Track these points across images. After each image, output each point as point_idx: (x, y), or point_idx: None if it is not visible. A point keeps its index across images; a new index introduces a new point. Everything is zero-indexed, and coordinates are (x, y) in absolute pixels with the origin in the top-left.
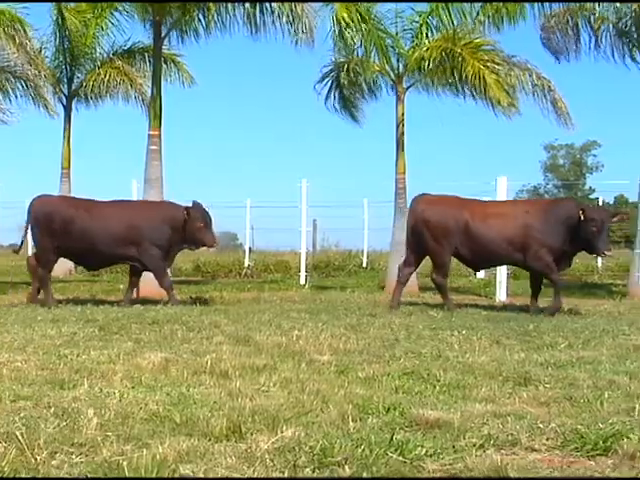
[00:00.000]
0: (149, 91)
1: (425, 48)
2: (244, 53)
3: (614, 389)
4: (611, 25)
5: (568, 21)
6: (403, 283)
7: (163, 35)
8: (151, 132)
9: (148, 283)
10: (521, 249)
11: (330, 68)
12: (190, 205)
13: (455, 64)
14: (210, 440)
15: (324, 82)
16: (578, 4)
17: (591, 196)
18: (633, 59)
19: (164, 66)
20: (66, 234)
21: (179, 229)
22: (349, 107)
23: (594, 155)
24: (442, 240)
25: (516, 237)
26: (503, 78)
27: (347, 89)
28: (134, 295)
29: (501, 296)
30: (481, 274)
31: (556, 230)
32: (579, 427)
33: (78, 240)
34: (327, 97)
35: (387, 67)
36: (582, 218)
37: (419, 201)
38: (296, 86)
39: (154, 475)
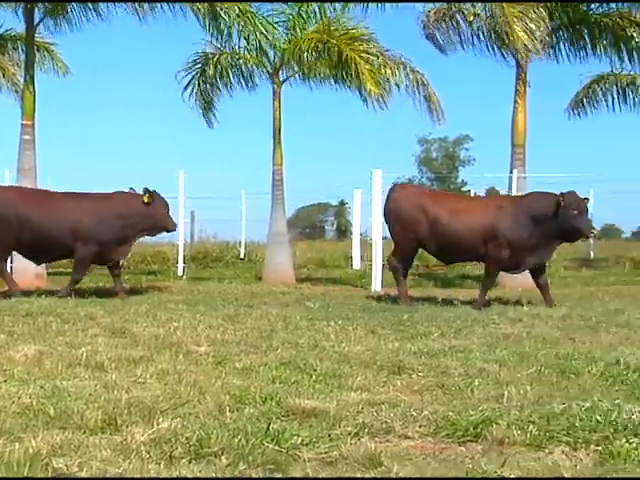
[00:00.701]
0: (22, 80)
1: (301, 39)
2: (122, 41)
3: (484, 377)
4: (483, 23)
5: (449, 16)
6: (404, 277)
7: (36, 23)
8: (24, 122)
9: (23, 274)
10: (486, 244)
11: (197, 58)
12: (151, 191)
13: (331, 55)
14: (85, 433)
15: (189, 72)
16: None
17: (463, 189)
18: (503, 56)
19: (37, 55)
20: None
21: (139, 217)
22: (208, 102)
23: (466, 149)
24: (408, 231)
25: (484, 232)
26: (377, 69)
27: (210, 82)
28: (118, 288)
29: (377, 287)
30: (357, 265)
31: (528, 225)
32: (450, 414)
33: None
34: (186, 88)
35: (263, 59)
36: (562, 204)
37: (394, 190)
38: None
39: (26, 469)
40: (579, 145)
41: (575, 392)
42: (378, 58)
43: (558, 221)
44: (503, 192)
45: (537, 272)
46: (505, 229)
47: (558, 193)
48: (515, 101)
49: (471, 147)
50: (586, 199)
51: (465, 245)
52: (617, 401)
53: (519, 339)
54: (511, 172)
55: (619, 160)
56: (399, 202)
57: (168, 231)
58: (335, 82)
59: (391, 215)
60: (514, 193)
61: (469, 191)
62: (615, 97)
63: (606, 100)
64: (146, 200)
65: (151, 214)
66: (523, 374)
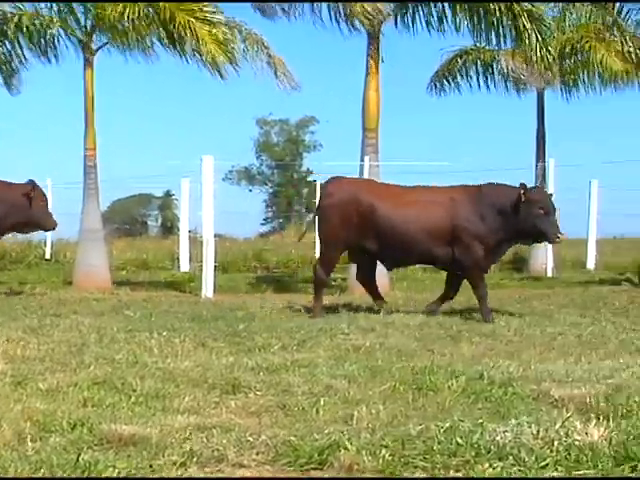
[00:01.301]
0: None
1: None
2: None
3: (331, 395)
4: None
5: None
6: (364, 283)
7: None
8: None
9: None
10: (447, 244)
11: None
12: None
13: (161, 19)
14: None
15: None
16: None
17: (309, 178)
18: (351, 26)
19: None
20: None
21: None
22: (8, 67)
23: (312, 132)
24: (339, 230)
25: (440, 229)
26: (217, 30)
27: (10, 44)
28: None
29: (208, 292)
30: (185, 267)
31: (490, 220)
32: (292, 439)
33: None
34: None
35: (71, 21)
36: (523, 199)
37: (329, 184)
38: None
39: None
40: (440, 130)
41: (433, 411)
42: (211, 21)
43: (518, 219)
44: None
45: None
46: (466, 224)
47: (518, 185)
48: (367, 78)
49: (317, 130)
50: (551, 195)
51: (414, 246)
52: (480, 421)
53: (371, 351)
54: (362, 160)
55: (483, 146)
56: (334, 197)
57: (46, 229)
58: (167, 50)
59: (325, 213)
60: None
61: (315, 181)
62: (480, 74)
63: (469, 78)
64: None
65: (25, 207)
66: (375, 391)
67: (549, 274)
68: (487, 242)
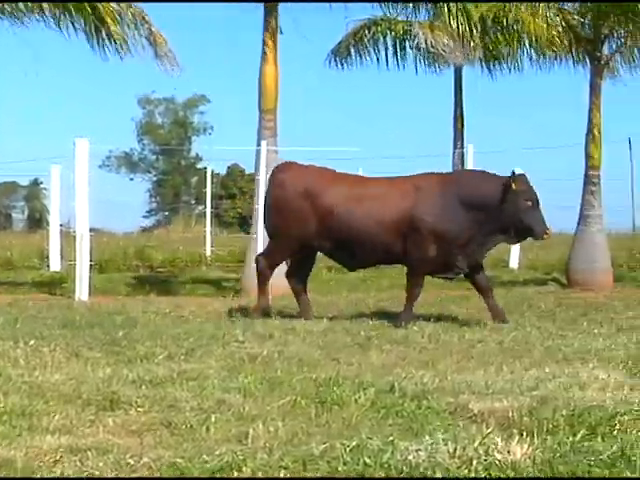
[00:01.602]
0: None
1: None
2: None
3: (224, 411)
4: None
5: None
6: (296, 286)
7: None
8: None
9: None
10: (402, 239)
11: None
12: None
13: None
14: None
15: None
16: None
17: (199, 165)
18: None
19: None
20: None
21: None
22: None
23: (201, 113)
24: (294, 225)
25: (399, 224)
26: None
27: None
28: None
29: (82, 295)
30: (56, 266)
31: (459, 213)
32: (179, 461)
33: None
34: None
35: None
36: (513, 188)
37: (279, 171)
38: None
39: None
40: (349, 111)
41: (339, 427)
42: None
43: (504, 212)
44: (249, 171)
45: (473, 273)
46: (428, 217)
47: (509, 173)
48: (263, 52)
49: (207, 111)
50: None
51: (373, 242)
52: (391, 438)
53: (269, 361)
54: (258, 144)
55: (400, 130)
56: (285, 186)
57: None
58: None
59: (273, 203)
60: (262, 170)
61: (205, 169)
62: (391, 47)
63: (377, 51)
64: None
65: None
66: (273, 406)
67: None
68: (451, 238)
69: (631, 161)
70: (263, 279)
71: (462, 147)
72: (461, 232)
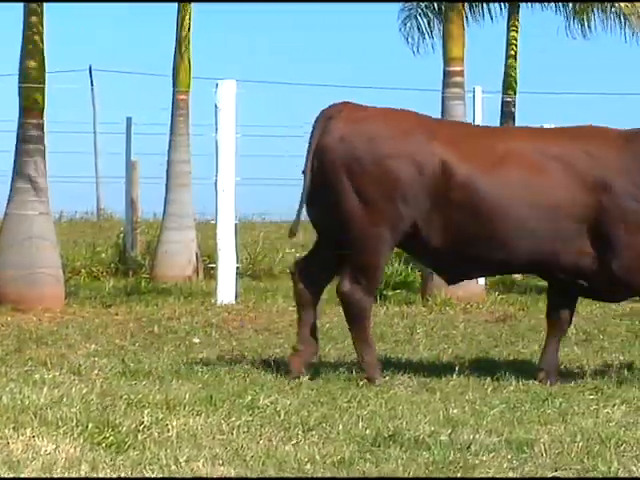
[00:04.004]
0: None
1: None
2: None
3: None
4: None
5: None
6: (306, 303)
7: None
8: None
9: None
10: (590, 227)
11: None
12: None
13: None
14: None
15: None
16: None
17: None
18: None
19: None
20: None
21: None
22: None
23: None
24: (382, 206)
25: (583, 199)
26: None
27: None
28: None
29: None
30: None
31: None
32: None
33: None
34: None
35: None
36: None
37: (334, 117)
38: None
39: None
40: None
41: None
42: None
43: None
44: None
45: None
46: (628, 201)
47: None
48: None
49: None
50: None
51: (521, 239)
52: None
53: None
54: None
55: None
56: (375, 140)
57: None
58: None
59: (337, 168)
60: None
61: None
62: None
63: None
64: None
65: None
66: None
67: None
68: None
69: None
70: (366, 316)
71: None
72: None
